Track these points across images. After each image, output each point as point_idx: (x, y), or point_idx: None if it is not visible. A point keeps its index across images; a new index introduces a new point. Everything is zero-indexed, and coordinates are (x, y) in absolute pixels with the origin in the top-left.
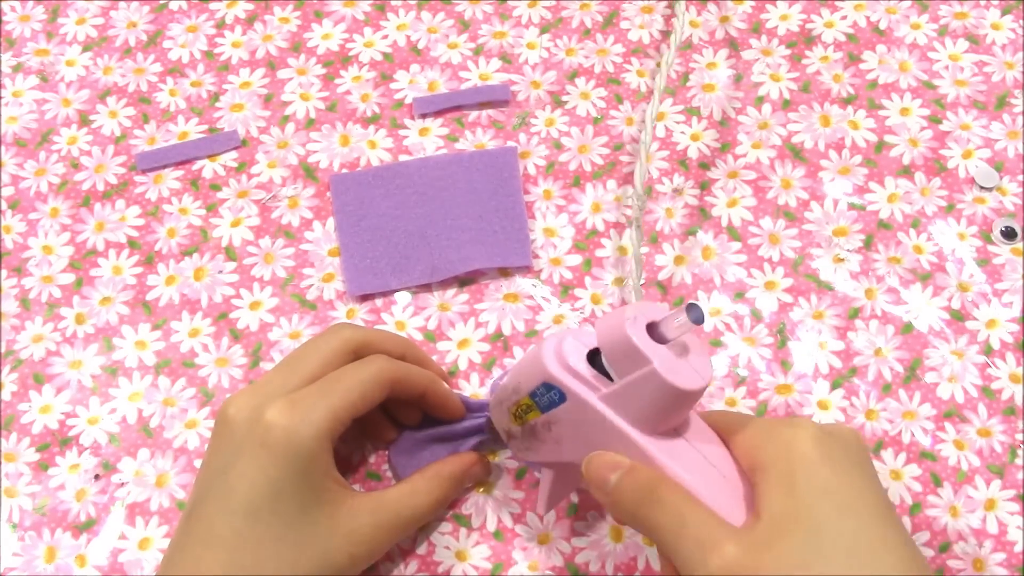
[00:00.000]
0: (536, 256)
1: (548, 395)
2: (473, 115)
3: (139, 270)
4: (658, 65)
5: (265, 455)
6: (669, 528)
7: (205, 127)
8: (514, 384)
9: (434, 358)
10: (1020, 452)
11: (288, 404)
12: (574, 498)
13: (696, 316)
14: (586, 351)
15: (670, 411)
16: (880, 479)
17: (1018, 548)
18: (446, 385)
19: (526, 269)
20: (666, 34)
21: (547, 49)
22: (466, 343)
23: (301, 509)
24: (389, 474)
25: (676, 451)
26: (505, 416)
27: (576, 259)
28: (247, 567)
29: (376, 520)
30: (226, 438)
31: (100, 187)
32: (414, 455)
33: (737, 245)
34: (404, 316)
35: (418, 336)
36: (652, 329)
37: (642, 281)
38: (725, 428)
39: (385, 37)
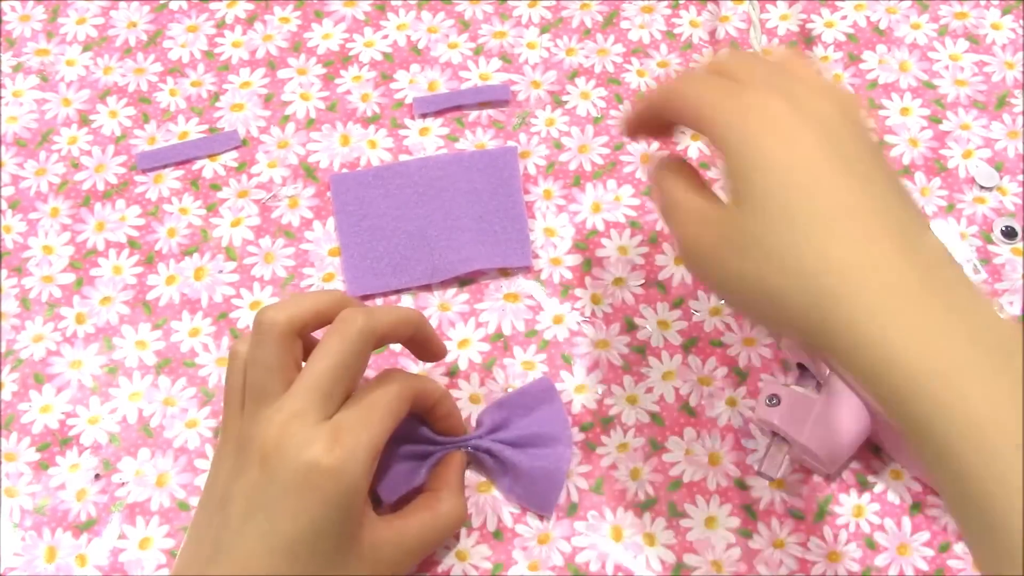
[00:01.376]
0: (536, 256)
1: None
2: (473, 115)
3: (139, 270)
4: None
5: (311, 495)
6: (666, 205)
7: (205, 127)
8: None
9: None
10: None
11: (332, 440)
12: (574, 498)
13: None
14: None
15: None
16: (861, 141)
17: None
18: (454, 401)
19: (526, 269)
20: (667, 34)
21: (547, 49)
22: (466, 343)
23: (337, 548)
24: None
25: None
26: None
27: (576, 259)
28: None
29: (402, 550)
30: (264, 473)
31: (100, 187)
32: (393, 471)
33: None
34: None
35: None
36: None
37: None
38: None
39: (385, 37)
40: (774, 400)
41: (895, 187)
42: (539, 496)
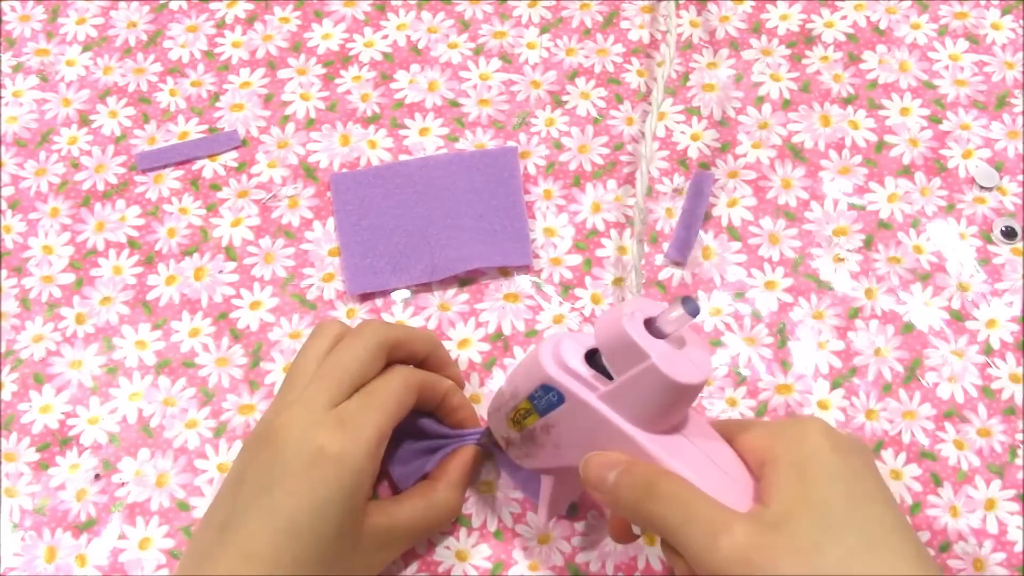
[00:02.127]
0: (536, 256)
1: (546, 397)
2: (473, 114)
3: (139, 270)
4: (654, 77)
5: (316, 476)
6: (673, 518)
7: (205, 127)
8: (512, 389)
9: None
10: (1020, 452)
11: (338, 424)
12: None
13: (692, 308)
14: (584, 351)
15: (669, 406)
16: (882, 477)
17: (1018, 548)
18: (463, 394)
19: (526, 269)
20: (667, 34)
21: (547, 49)
22: (466, 343)
23: (339, 532)
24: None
25: (677, 448)
26: (503, 422)
27: (576, 259)
28: None
29: (391, 535)
30: (272, 455)
31: (100, 187)
32: (410, 464)
33: (737, 245)
34: (404, 316)
35: None
36: (650, 325)
37: (641, 292)
38: (729, 431)
39: (385, 37)
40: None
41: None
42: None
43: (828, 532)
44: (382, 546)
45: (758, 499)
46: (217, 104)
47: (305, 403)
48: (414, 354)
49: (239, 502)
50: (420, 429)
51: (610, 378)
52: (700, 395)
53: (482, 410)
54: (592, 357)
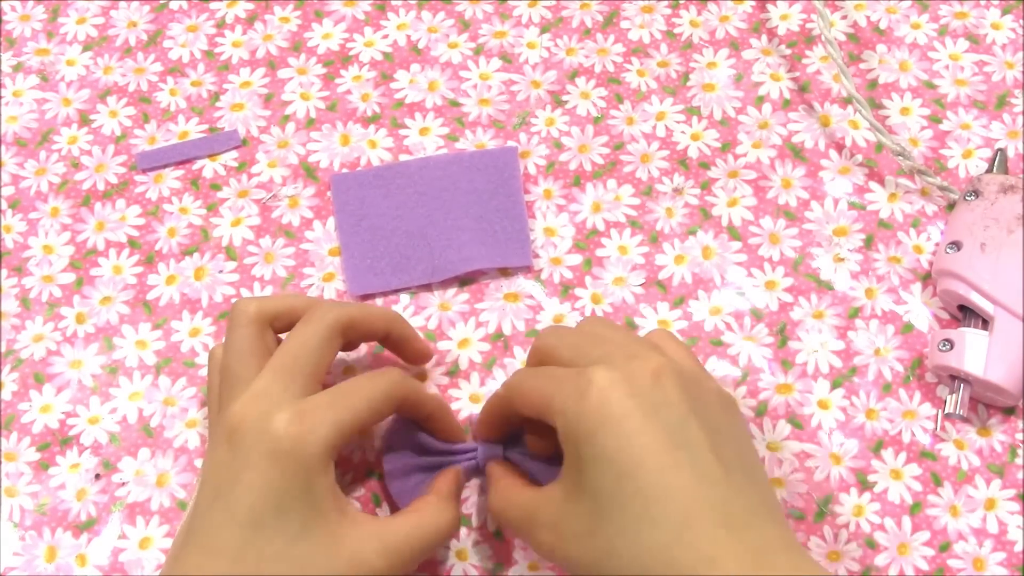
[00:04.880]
0: (536, 256)
1: None
2: (473, 114)
3: (139, 270)
4: None
5: (271, 466)
6: (515, 525)
7: (205, 127)
8: None
9: (434, 358)
10: (1020, 452)
11: (297, 415)
12: None
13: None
14: None
15: None
16: (677, 417)
17: (1018, 548)
18: (451, 412)
19: (527, 269)
20: (667, 34)
21: (547, 49)
22: (466, 343)
23: (304, 527)
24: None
25: None
26: None
27: (576, 259)
28: None
29: (383, 547)
30: (230, 447)
31: (100, 187)
32: (409, 480)
33: (737, 245)
34: (404, 316)
35: None
36: None
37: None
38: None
39: (385, 37)
40: (946, 345)
41: (738, 474)
42: None
43: (597, 516)
44: (375, 565)
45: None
46: (217, 104)
47: (259, 396)
48: (371, 332)
49: (201, 501)
50: (419, 443)
51: None
52: None
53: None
54: None
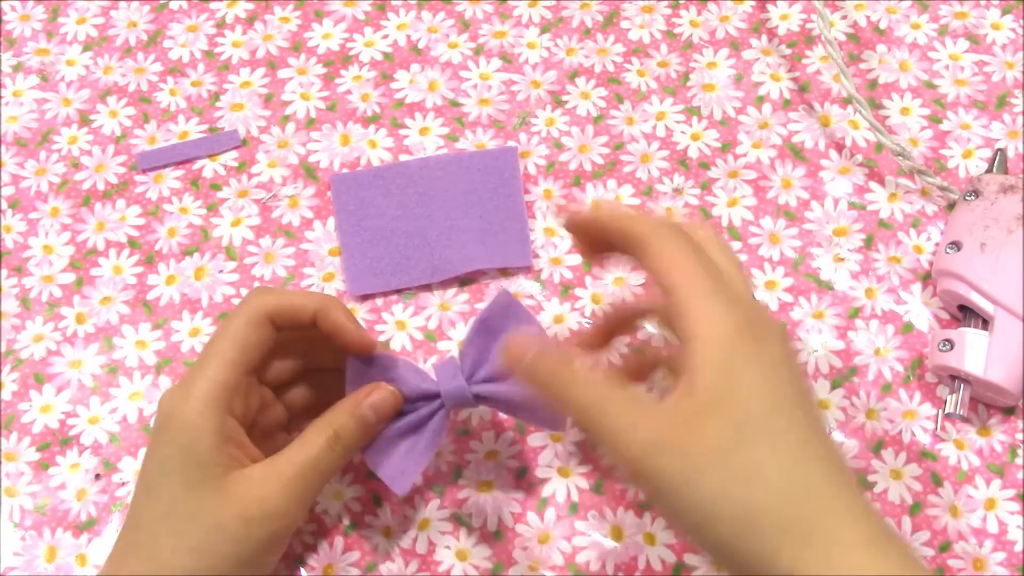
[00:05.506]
0: (536, 256)
1: None
2: (473, 114)
3: (139, 270)
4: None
5: (159, 438)
6: (586, 406)
7: (205, 127)
8: None
9: (434, 358)
10: (1020, 452)
11: (176, 387)
12: (575, 497)
13: None
14: None
15: None
16: (804, 378)
17: (1018, 548)
18: (344, 310)
19: (527, 269)
20: (667, 34)
21: (547, 49)
22: None
23: (187, 484)
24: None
25: None
26: None
27: (576, 259)
28: (143, 543)
29: (264, 474)
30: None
31: (100, 187)
32: (389, 453)
33: (737, 245)
34: (404, 316)
35: (418, 336)
36: None
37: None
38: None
39: (385, 37)
40: (946, 345)
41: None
42: (547, 416)
43: (742, 437)
44: (260, 496)
45: (685, 379)
46: (217, 104)
47: (179, 384)
48: (297, 318)
49: None
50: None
51: None
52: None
53: (460, 350)
54: None
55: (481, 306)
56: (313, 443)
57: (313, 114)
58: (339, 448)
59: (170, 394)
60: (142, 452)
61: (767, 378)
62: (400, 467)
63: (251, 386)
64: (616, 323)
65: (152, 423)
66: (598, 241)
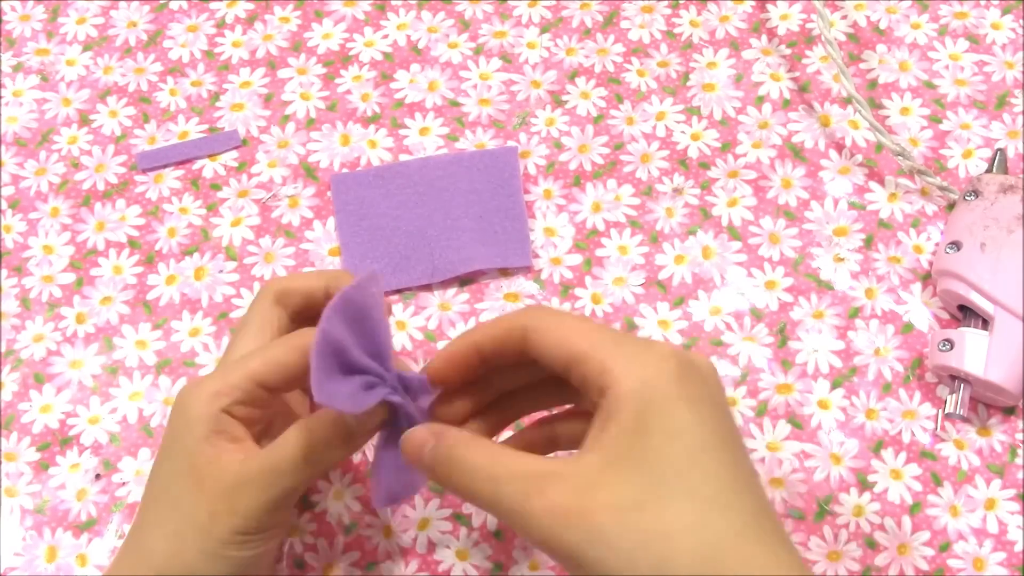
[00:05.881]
0: (536, 256)
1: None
2: (473, 114)
3: (139, 270)
4: None
5: (169, 425)
6: (483, 485)
7: (205, 127)
8: None
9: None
10: (1020, 452)
11: (190, 382)
12: None
13: None
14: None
15: None
16: (732, 417)
17: (1018, 548)
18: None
19: (527, 269)
20: (667, 34)
21: (547, 49)
22: None
23: (173, 473)
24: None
25: None
26: None
27: (576, 259)
28: (135, 535)
29: (239, 476)
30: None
31: (100, 187)
32: (384, 462)
33: (737, 245)
34: (404, 316)
35: (418, 336)
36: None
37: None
38: (557, 330)
39: (385, 37)
40: (946, 345)
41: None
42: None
43: (654, 491)
44: (229, 490)
45: (593, 434)
46: (217, 104)
47: (195, 378)
48: (310, 295)
49: None
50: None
51: None
52: None
53: None
54: None
55: (481, 306)
56: (286, 447)
57: (313, 114)
58: (313, 457)
59: (181, 390)
60: (142, 452)
61: (690, 419)
62: (390, 482)
63: (270, 396)
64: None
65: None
66: (474, 367)
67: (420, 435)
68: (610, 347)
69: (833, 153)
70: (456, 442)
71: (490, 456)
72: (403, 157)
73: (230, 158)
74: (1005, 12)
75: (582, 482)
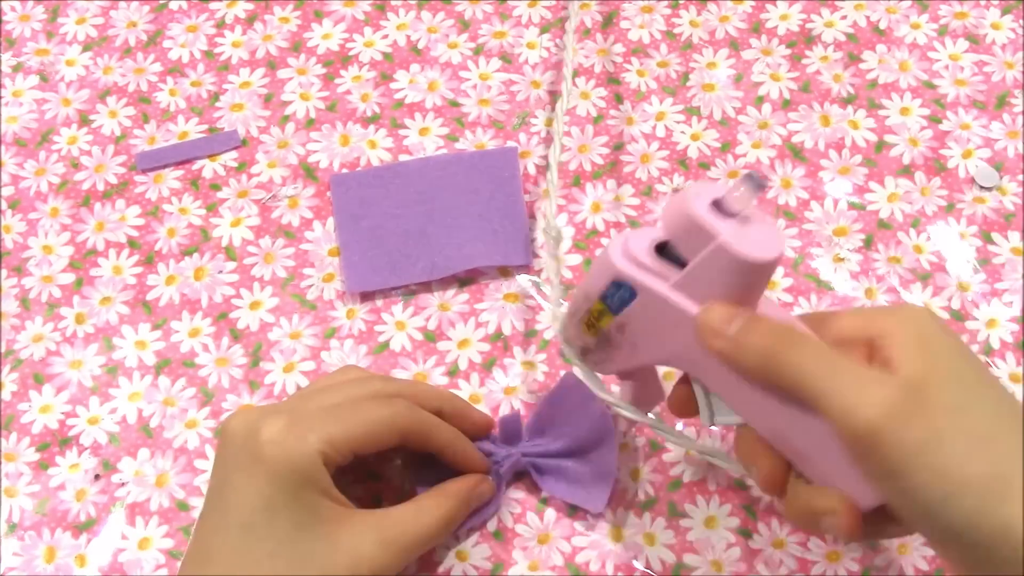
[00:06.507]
0: (536, 256)
1: (618, 294)
2: (473, 114)
3: (139, 270)
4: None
5: (257, 469)
6: (814, 368)
7: (205, 127)
8: (584, 292)
9: (433, 359)
10: None
11: (287, 422)
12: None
13: (756, 183)
14: (653, 244)
15: (744, 288)
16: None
17: None
18: (468, 444)
19: (526, 268)
20: (667, 34)
21: (547, 49)
22: (466, 343)
23: (297, 526)
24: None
25: None
26: (578, 329)
27: (576, 259)
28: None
29: (380, 538)
30: (223, 451)
31: (100, 187)
32: (435, 468)
33: None
34: (404, 316)
35: (418, 336)
36: (717, 206)
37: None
38: (815, 320)
39: (385, 37)
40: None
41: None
42: (589, 494)
43: (968, 395)
44: (375, 556)
45: (883, 362)
46: (217, 104)
47: (264, 407)
48: (419, 406)
49: (204, 504)
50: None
51: (682, 268)
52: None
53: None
54: (663, 249)
55: (481, 306)
56: (431, 521)
57: (313, 114)
58: (448, 530)
59: (275, 429)
60: (142, 452)
61: (964, 352)
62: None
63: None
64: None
65: (232, 446)
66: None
67: (728, 310)
68: (860, 312)
69: (833, 153)
70: (786, 323)
71: (824, 346)
72: (403, 157)
73: (230, 158)
74: (1005, 12)
75: (909, 387)
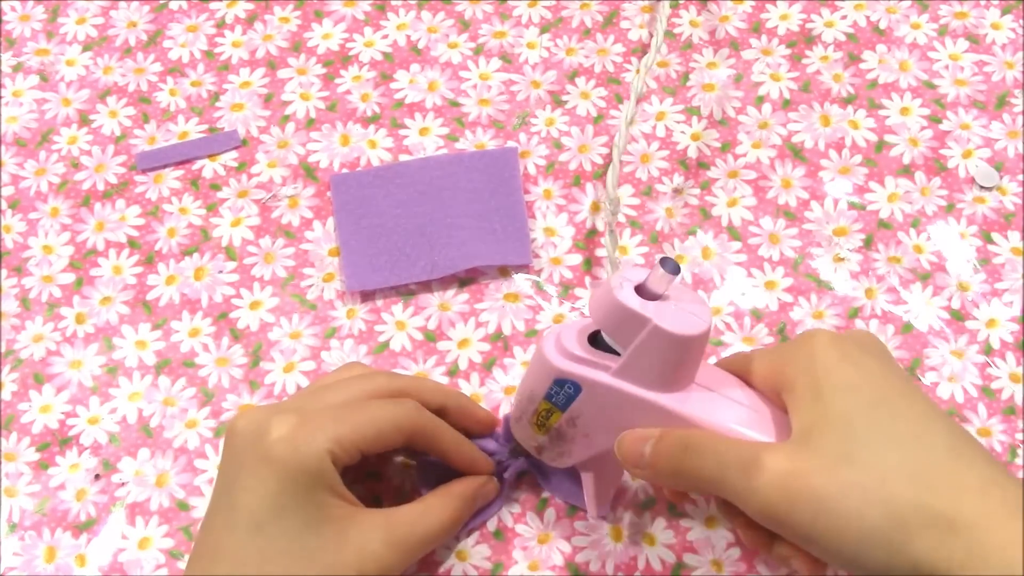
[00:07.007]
0: (536, 256)
1: (563, 391)
2: (473, 114)
3: (139, 270)
4: (638, 71)
5: (266, 469)
6: (709, 468)
7: (205, 127)
8: (528, 393)
9: (434, 358)
10: (1020, 452)
11: (296, 421)
12: None
13: (671, 267)
14: (585, 335)
15: (681, 362)
16: (904, 371)
17: None
18: (472, 447)
19: (526, 268)
20: (667, 34)
21: (547, 49)
22: (466, 343)
23: (305, 524)
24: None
25: (699, 401)
26: (529, 430)
27: (576, 259)
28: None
29: (388, 537)
30: (231, 451)
31: (100, 187)
32: (439, 468)
33: (737, 245)
34: (404, 316)
35: (418, 336)
36: (641, 291)
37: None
38: (738, 368)
39: (385, 37)
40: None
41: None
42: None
43: (853, 442)
44: (381, 555)
45: (786, 426)
46: (217, 104)
47: (271, 405)
48: (423, 403)
49: (210, 502)
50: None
51: (617, 354)
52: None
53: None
54: (595, 339)
55: (481, 306)
56: (437, 521)
57: (313, 114)
58: (454, 530)
59: (283, 428)
60: (142, 452)
61: (857, 375)
62: (439, 476)
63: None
64: None
65: (240, 446)
66: None
67: (639, 434)
68: (770, 355)
69: (833, 153)
70: (682, 436)
71: (715, 440)
72: (403, 157)
73: (230, 158)
74: (1005, 12)
75: (792, 450)
